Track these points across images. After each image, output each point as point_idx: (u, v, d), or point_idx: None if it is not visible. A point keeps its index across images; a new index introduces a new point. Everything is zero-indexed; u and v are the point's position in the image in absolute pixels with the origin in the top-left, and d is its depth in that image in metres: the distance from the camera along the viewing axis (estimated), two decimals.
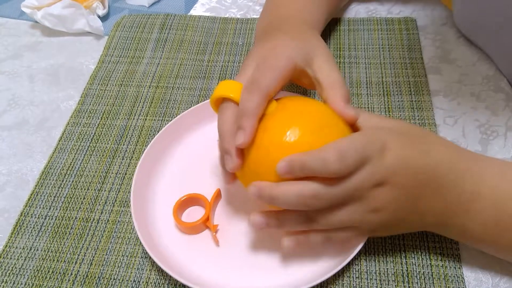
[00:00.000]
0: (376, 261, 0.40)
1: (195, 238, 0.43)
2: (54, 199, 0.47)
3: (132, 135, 0.51)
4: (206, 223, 0.43)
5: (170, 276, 0.40)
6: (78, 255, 0.43)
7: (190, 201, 0.44)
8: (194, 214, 0.44)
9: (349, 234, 0.36)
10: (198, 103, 0.54)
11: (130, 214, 0.45)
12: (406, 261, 0.40)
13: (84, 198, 0.46)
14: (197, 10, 0.65)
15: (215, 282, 0.40)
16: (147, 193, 0.45)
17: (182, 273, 0.39)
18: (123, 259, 0.42)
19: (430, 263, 0.40)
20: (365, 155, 0.33)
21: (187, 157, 0.48)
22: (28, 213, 0.46)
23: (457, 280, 0.39)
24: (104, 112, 0.54)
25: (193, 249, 0.42)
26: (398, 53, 0.56)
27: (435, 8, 0.61)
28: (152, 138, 0.50)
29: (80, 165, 0.49)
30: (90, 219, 0.45)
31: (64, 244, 0.43)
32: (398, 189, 0.34)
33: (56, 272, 0.42)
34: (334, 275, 0.39)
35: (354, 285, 0.39)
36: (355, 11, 0.63)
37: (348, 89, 0.39)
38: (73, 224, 0.45)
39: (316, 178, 0.33)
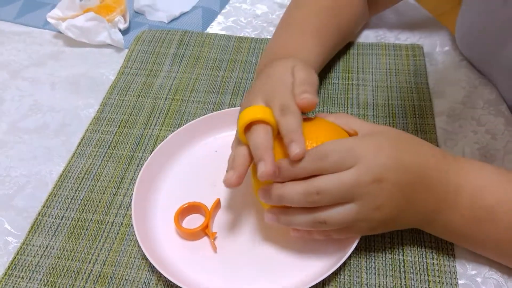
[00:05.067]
0: (376, 274, 0.42)
1: (194, 245, 0.45)
2: (71, 201, 0.49)
3: (147, 144, 0.54)
4: (205, 230, 0.45)
5: None
6: (92, 255, 0.45)
7: (191, 209, 0.47)
8: (194, 221, 0.46)
9: (351, 232, 0.40)
10: None
11: None
12: (405, 276, 0.42)
13: (99, 202, 0.49)
14: (214, 28, 0.68)
15: (212, 287, 0.42)
16: (149, 199, 0.48)
17: (180, 277, 0.41)
18: (134, 261, 0.44)
19: (428, 279, 0.42)
20: (354, 153, 0.37)
21: (189, 167, 0.51)
22: (45, 214, 0.48)
23: None
24: (122, 121, 0.56)
25: (192, 254, 0.44)
26: (404, 77, 0.59)
27: (440, 34, 0.64)
28: None
29: (97, 170, 0.51)
30: (105, 222, 0.47)
31: (79, 244, 0.46)
32: (393, 186, 0.37)
33: (70, 271, 0.44)
34: None
35: None
36: (365, 36, 0.65)
37: (316, 85, 0.43)
38: (88, 225, 0.47)
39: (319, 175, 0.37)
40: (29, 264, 0.44)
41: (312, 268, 0.42)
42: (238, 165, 0.40)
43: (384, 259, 0.43)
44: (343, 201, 0.37)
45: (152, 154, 0.49)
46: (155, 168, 0.49)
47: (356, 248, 0.43)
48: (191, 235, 0.45)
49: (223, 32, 0.68)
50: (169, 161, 0.51)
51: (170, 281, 0.42)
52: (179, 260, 0.44)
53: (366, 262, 0.43)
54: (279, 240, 0.45)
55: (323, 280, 0.42)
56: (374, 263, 0.43)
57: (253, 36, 0.67)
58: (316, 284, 0.41)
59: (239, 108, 0.50)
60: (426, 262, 0.43)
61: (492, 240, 0.39)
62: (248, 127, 0.40)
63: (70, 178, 0.51)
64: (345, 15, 0.58)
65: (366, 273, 0.42)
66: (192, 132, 0.52)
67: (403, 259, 0.43)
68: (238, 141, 0.42)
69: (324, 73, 0.60)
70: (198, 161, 0.51)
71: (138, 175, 0.50)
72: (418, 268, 0.42)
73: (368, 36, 0.65)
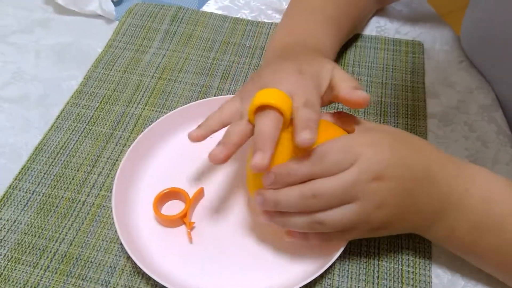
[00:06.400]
0: (349, 277, 0.41)
1: (171, 232, 0.44)
2: (44, 176, 0.47)
3: (128, 123, 0.52)
4: (183, 219, 0.43)
5: None
6: (60, 234, 0.43)
7: (172, 194, 0.45)
8: (175, 208, 0.45)
9: (351, 235, 0.38)
10: (197, 99, 0.54)
11: None
12: (378, 281, 0.41)
13: (73, 179, 0.47)
14: (210, 7, 0.66)
15: (183, 278, 0.40)
16: (132, 181, 0.46)
17: (150, 264, 0.40)
18: (102, 244, 0.43)
19: (401, 286, 0.40)
20: (352, 151, 0.35)
21: (180, 151, 0.49)
22: (16, 186, 0.47)
23: None
24: (105, 96, 0.54)
25: (167, 242, 0.43)
26: (401, 75, 0.57)
27: (442, 32, 0.61)
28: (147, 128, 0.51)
29: (73, 145, 0.50)
30: (76, 200, 0.46)
31: (47, 221, 0.44)
32: (394, 182, 0.36)
33: (36, 248, 0.43)
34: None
35: None
36: (364, 25, 0.63)
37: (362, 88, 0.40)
38: (59, 202, 0.45)
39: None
40: None
41: (290, 271, 0.41)
42: (230, 142, 0.38)
43: (358, 262, 0.42)
44: (342, 202, 0.35)
45: (143, 133, 0.48)
46: (144, 148, 0.48)
47: None
48: (169, 222, 0.44)
49: (219, 12, 0.65)
50: (159, 142, 0.49)
51: (137, 267, 0.41)
52: (153, 246, 0.42)
53: (340, 264, 0.42)
54: (260, 239, 0.43)
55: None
56: (348, 265, 0.42)
57: (249, 19, 0.64)
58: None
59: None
60: (402, 269, 0.41)
61: (494, 251, 0.37)
62: (259, 109, 0.37)
63: (45, 151, 0.49)
64: (359, 6, 0.56)
65: (339, 275, 0.41)
66: (189, 115, 0.50)
67: (378, 264, 0.42)
68: (239, 114, 0.39)
69: None
70: (190, 146, 0.49)
71: (115, 153, 0.49)
72: (392, 275, 0.41)
73: (368, 26, 0.63)
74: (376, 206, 0.36)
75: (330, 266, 0.41)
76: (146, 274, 0.40)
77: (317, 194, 0.35)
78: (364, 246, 0.43)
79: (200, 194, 0.45)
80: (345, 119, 0.41)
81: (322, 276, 0.41)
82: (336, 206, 0.36)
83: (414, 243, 0.42)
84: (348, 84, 0.39)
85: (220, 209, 0.45)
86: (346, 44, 0.60)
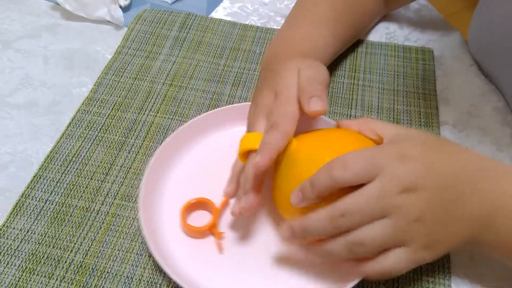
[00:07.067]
0: (370, 287, 0.41)
1: (198, 243, 0.43)
2: (56, 184, 0.47)
3: (141, 130, 0.51)
4: (212, 230, 0.43)
5: (164, 275, 0.40)
6: (75, 244, 0.43)
7: (198, 205, 0.45)
8: (200, 218, 0.44)
9: (397, 256, 0.35)
10: (209, 106, 0.54)
11: (131, 209, 0.45)
12: None
13: (86, 187, 0.47)
14: (219, 13, 0.66)
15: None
16: (157, 191, 0.45)
17: (182, 276, 0.39)
18: (118, 254, 0.42)
19: None
20: (376, 162, 0.34)
21: (201, 161, 0.48)
22: (29, 195, 0.46)
23: None
24: (116, 103, 0.54)
25: (196, 253, 0.42)
26: (412, 82, 0.57)
27: (451, 38, 0.62)
28: (160, 135, 0.50)
29: (86, 153, 0.49)
30: (90, 209, 0.45)
31: (61, 231, 0.44)
32: (429, 192, 0.34)
33: (51, 258, 0.42)
34: None
35: None
36: (374, 31, 0.63)
37: (325, 83, 0.41)
38: (72, 211, 0.45)
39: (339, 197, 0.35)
40: (8, 248, 0.42)
41: (320, 283, 0.40)
42: (249, 190, 0.39)
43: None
44: (373, 218, 0.34)
45: (164, 142, 0.47)
46: (167, 158, 0.47)
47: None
48: (197, 233, 0.43)
49: (228, 18, 0.65)
50: (181, 151, 0.48)
51: (154, 277, 0.41)
52: (182, 258, 0.41)
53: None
54: (286, 248, 0.42)
55: None
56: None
57: (258, 25, 0.64)
58: None
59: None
60: (421, 278, 0.41)
61: None
62: (248, 152, 0.40)
63: (57, 159, 0.49)
64: (360, 7, 0.56)
65: (358, 285, 0.41)
66: (208, 123, 0.50)
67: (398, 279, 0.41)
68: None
69: (329, 70, 0.57)
70: (211, 155, 0.48)
71: (128, 161, 0.49)
72: (412, 284, 0.41)
73: (377, 32, 0.63)
74: (413, 219, 0.34)
75: None
76: (164, 284, 0.40)
77: (345, 211, 0.34)
78: None
79: (226, 203, 0.45)
80: (371, 126, 0.40)
81: None
82: (368, 223, 0.34)
83: None
84: (306, 95, 0.39)
85: (246, 219, 0.44)
86: (357, 49, 0.60)
